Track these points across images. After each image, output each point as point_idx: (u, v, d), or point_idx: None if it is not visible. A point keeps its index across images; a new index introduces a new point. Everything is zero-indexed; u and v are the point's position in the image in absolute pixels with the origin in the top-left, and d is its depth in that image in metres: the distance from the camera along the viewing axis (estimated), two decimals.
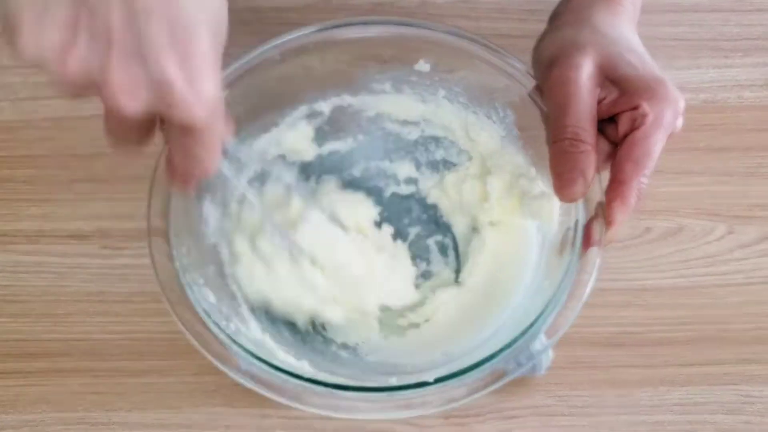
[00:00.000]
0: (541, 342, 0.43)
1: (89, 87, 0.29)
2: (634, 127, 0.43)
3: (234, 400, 0.52)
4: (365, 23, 0.49)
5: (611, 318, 0.54)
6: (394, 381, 0.42)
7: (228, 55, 0.63)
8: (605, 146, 0.44)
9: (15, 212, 0.57)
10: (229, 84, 0.47)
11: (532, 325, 0.43)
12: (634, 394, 0.52)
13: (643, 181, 0.42)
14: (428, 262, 0.55)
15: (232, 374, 0.42)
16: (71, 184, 0.58)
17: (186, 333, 0.42)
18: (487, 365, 0.41)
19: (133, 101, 0.29)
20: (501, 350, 0.42)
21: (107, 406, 0.52)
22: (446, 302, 0.53)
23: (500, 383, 0.41)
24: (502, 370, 0.41)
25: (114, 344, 0.53)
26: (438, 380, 0.41)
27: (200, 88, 0.30)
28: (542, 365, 0.51)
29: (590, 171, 0.42)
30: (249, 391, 0.51)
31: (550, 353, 0.51)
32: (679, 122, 0.44)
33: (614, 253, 0.56)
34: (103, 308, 0.54)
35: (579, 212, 0.45)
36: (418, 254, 0.55)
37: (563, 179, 0.42)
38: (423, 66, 0.51)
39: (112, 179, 0.58)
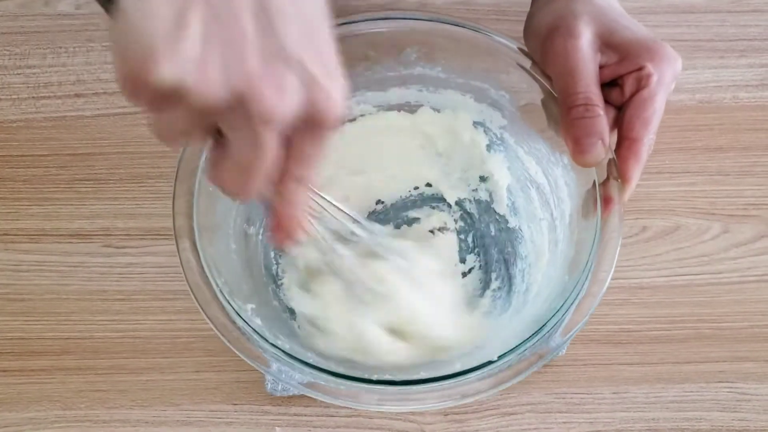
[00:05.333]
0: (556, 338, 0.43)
1: (231, 100, 0.27)
2: (639, 87, 0.44)
3: (234, 398, 0.52)
4: (355, 22, 0.50)
5: (608, 316, 0.55)
6: (459, 366, 0.42)
7: None
8: (610, 111, 0.45)
9: (17, 211, 0.58)
10: None
11: (559, 309, 0.42)
12: (631, 391, 0.53)
13: (651, 138, 0.44)
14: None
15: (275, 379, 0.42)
16: (72, 184, 0.58)
17: (221, 336, 0.42)
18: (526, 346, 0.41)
19: (283, 103, 0.28)
20: (537, 332, 0.42)
21: (109, 403, 0.52)
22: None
23: (536, 367, 0.41)
24: (539, 353, 0.42)
25: (115, 342, 0.54)
26: (466, 370, 0.41)
27: (338, 82, 0.29)
28: (562, 348, 0.51)
29: (606, 134, 0.43)
30: (249, 389, 0.52)
31: None
32: (673, 85, 0.45)
33: None
34: (105, 306, 0.55)
35: (594, 173, 0.45)
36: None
37: (582, 145, 0.43)
38: (411, 56, 0.51)
39: (113, 179, 0.58)
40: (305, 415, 0.52)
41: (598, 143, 0.43)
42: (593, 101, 0.43)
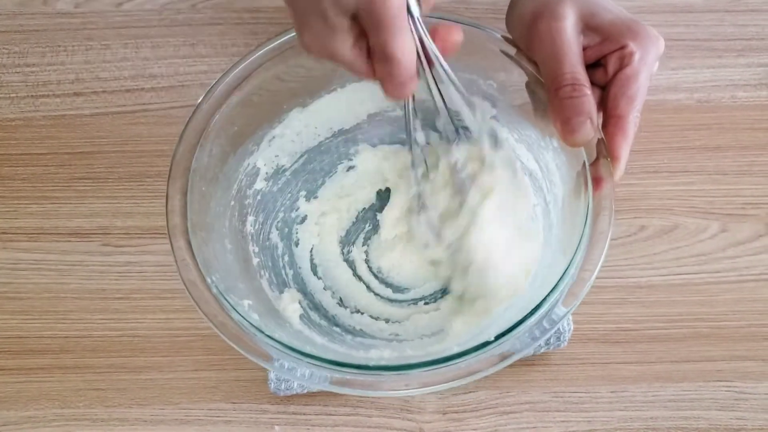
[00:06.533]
0: (560, 308, 0.43)
1: None
2: (622, 66, 0.45)
3: (233, 396, 0.52)
4: None
5: (606, 315, 0.55)
6: (457, 350, 0.42)
7: (229, 55, 0.64)
8: (595, 91, 0.46)
9: (15, 210, 0.58)
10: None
11: (555, 287, 0.43)
12: (629, 390, 0.53)
13: (637, 116, 0.44)
14: None
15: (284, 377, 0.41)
16: (71, 182, 0.58)
17: (220, 333, 0.43)
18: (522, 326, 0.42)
19: None
20: (531, 313, 0.42)
21: (107, 402, 0.52)
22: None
23: (529, 349, 0.42)
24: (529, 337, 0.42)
25: (114, 341, 0.54)
26: (466, 350, 0.41)
27: None
28: (565, 337, 0.51)
29: (594, 113, 0.44)
30: (247, 387, 0.52)
31: (572, 325, 0.52)
32: (656, 65, 0.46)
33: (609, 250, 0.56)
34: (104, 305, 0.55)
35: (583, 154, 0.45)
36: None
37: (571, 124, 0.43)
38: None
39: (112, 177, 0.58)
40: (304, 414, 0.52)
41: (587, 122, 0.43)
42: (580, 81, 0.44)
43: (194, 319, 0.54)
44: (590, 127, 0.43)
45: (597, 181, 0.45)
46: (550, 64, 0.45)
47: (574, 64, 0.44)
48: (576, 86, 0.44)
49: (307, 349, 0.42)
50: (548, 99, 0.45)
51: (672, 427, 0.52)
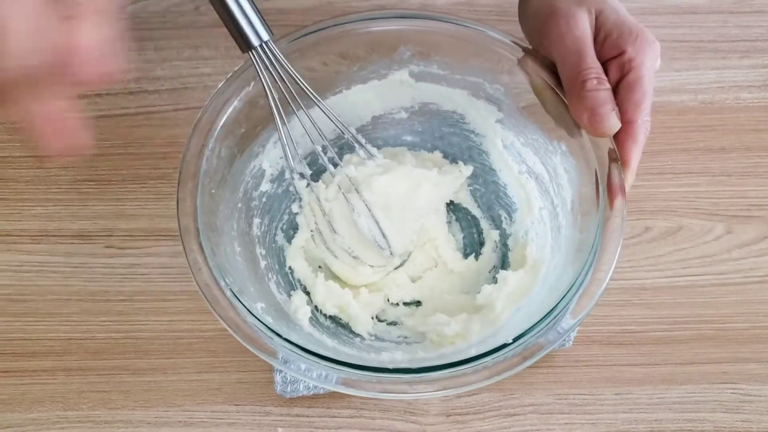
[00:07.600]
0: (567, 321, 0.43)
1: None
2: (624, 72, 0.45)
3: (236, 398, 0.52)
4: (348, 22, 0.50)
5: (611, 317, 0.55)
6: (474, 352, 0.42)
7: (233, 57, 0.64)
8: None
9: (19, 212, 0.58)
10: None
11: (566, 293, 0.43)
12: (633, 392, 0.53)
13: (646, 120, 0.45)
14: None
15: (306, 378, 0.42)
16: (75, 185, 0.59)
17: (235, 333, 0.42)
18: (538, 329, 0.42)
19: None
20: (544, 318, 0.42)
21: (111, 404, 0.52)
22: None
23: (539, 355, 0.41)
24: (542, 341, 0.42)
25: (118, 343, 0.54)
26: (483, 354, 0.41)
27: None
28: (570, 337, 0.51)
29: (616, 106, 0.44)
30: (251, 389, 0.52)
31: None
32: (657, 63, 0.47)
33: None
34: (107, 307, 0.55)
35: (594, 157, 0.46)
36: None
37: (599, 114, 0.44)
38: (404, 54, 0.51)
39: (115, 179, 0.59)
40: (307, 416, 0.52)
41: (613, 112, 0.44)
42: (602, 76, 0.45)
43: (198, 321, 0.54)
44: (615, 117, 0.44)
45: (609, 185, 0.45)
46: (572, 59, 0.45)
47: (595, 60, 0.45)
48: (600, 79, 0.44)
49: (323, 352, 0.42)
50: (570, 94, 0.45)
51: (677, 430, 0.52)
